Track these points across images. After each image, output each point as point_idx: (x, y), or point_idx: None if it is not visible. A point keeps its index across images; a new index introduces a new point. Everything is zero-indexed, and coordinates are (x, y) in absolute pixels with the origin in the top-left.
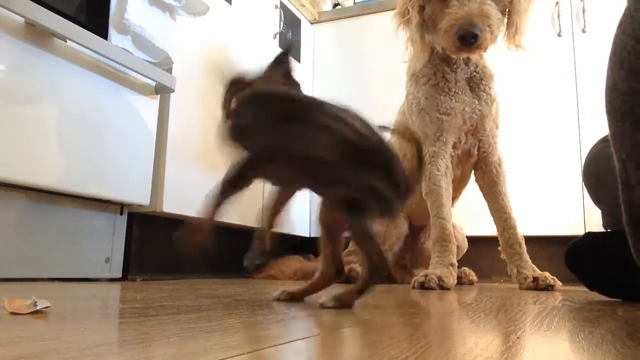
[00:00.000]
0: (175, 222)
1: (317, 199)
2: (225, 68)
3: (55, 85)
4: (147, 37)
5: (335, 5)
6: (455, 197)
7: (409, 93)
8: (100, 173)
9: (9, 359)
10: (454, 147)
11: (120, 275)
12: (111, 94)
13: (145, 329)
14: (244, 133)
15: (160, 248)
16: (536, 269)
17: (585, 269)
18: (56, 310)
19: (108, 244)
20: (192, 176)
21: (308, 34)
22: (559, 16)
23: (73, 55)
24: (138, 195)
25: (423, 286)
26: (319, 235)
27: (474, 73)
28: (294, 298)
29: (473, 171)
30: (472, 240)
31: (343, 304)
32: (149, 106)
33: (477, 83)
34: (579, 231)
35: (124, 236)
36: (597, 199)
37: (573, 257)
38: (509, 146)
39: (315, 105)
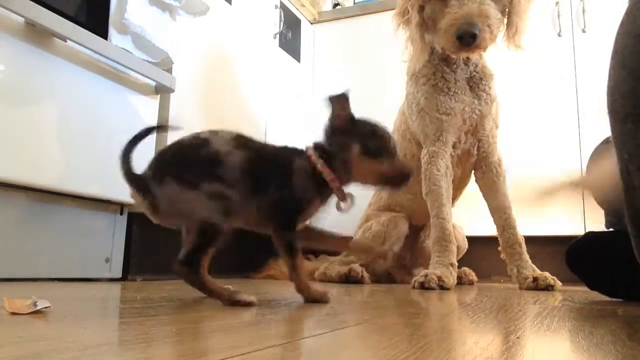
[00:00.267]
0: None
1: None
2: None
3: (55, 85)
4: (147, 37)
5: (335, 5)
6: (455, 197)
7: (408, 93)
8: (100, 173)
9: (9, 359)
10: (453, 147)
11: (120, 275)
12: (111, 94)
13: (145, 329)
14: None
15: (160, 248)
16: (536, 269)
17: (585, 268)
18: (56, 310)
19: (108, 244)
20: None
21: (308, 34)
22: (559, 16)
23: (73, 55)
24: None
25: (423, 286)
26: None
27: (474, 73)
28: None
29: (473, 171)
30: (472, 240)
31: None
32: (149, 106)
33: (477, 83)
34: (579, 231)
35: (124, 236)
36: (601, 199)
37: (574, 256)
38: (509, 146)
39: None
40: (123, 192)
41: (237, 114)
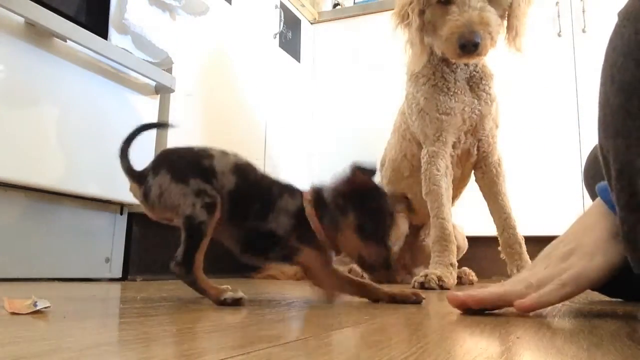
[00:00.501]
0: None
1: None
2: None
3: (55, 85)
4: (147, 37)
5: (335, 5)
6: (455, 197)
7: (408, 93)
8: (100, 173)
9: (9, 359)
10: (453, 147)
11: (120, 275)
12: (111, 94)
13: (145, 329)
14: None
15: (160, 248)
16: None
17: None
18: (56, 310)
19: (108, 244)
20: None
21: (308, 34)
22: (559, 16)
23: (73, 55)
24: None
25: (423, 286)
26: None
27: (474, 73)
28: None
29: (473, 171)
30: (472, 240)
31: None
32: (149, 106)
33: (477, 83)
34: None
35: (124, 236)
36: None
37: None
38: (509, 146)
39: None
40: (123, 192)
41: (237, 114)
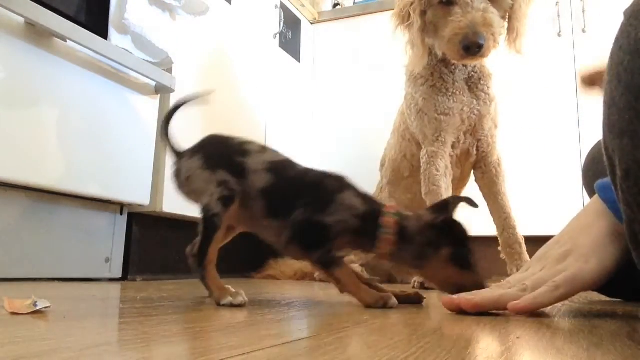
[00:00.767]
0: (175, 222)
1: None
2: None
3: (55, 85)
4: (147, 37)
5: (335, 5)
6: None
7: (407, 94)
8: (100, 173)
9: (9, 359)
10: (453, 147)
11: (120, 275)
12: (111, 94)
13: (145, 329)
14: None
15: (160, 248)
16: None
17: None
18: (56, 310)
19: (108, 244)
20: None
21: (308, 34)
22: (559, 16)
23: (73, 55)
24: (138, 195)
25: (423, 286)
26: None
27: (472, 73)
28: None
29: (472, 171)
30: (472, 240)
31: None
32: (149, 106)
33: (476, 83)
34: None
35: (124, 236)
36: None
37: None
38: (509, 146)
39: None
40: (123, 192)
41: (237, 114)
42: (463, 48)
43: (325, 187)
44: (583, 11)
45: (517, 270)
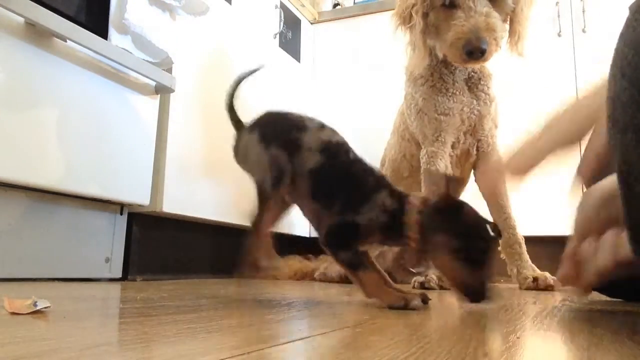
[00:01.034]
0: (176, 222)
1: None
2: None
3: (55, 85)
4: (147, 37)
5: (335, 5)
6: None
7: (407, 94)
8: (100, 173)
9: (9, 359)
10: (452, 147)
11: (120, 275)
12: (111, 94)
13: (145, 329)
14: None
15: (160, 248)
16: (536, 269)
17: None
18: (56, 310)
19: (108, 244)
20: (192, 176)
21: (308, 34)
22: (559, 16)
23: (73, 55)
24: (138, 195)
25: (423, 286)
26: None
27: (472, 73)
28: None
29: (472, 171)
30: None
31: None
32: (149, 106)
33: (476, 83)
34: None
35: (124, 236)
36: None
37: None
38: (509, 146)
39: None
40: (123, 192)
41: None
42: (466, 53)
43: (365, 186)
44: (583, 11)
45: (518, 270)
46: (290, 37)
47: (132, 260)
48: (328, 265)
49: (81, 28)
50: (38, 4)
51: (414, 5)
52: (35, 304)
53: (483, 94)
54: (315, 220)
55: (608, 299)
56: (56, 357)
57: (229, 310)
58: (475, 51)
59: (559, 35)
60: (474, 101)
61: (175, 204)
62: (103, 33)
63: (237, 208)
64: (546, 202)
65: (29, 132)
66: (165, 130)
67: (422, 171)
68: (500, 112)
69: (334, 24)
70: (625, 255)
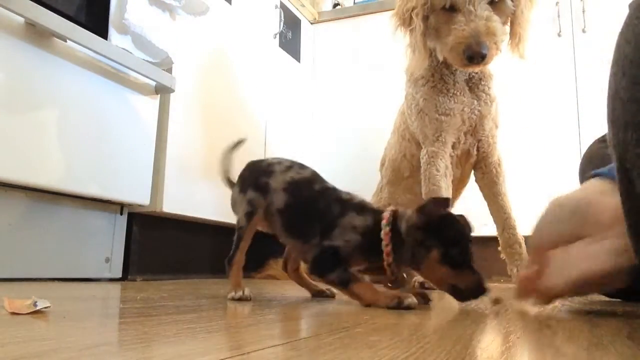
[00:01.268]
0: (175, 222)
1: None
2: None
3: (55, 85)
4: (147, 37)
5: (335, 5)
6: (455, 197)
7: (407, 94)
8: (100, 173)
9: (9, 359)
10: (453, 147)
11: (120, 275)
12: (111, 94)
13: (145, 329)
14: None
15: (160, 248)
16: None
17: None
18: (56, 310)
19: (108, 244)
20: (192, 176)
21: (308, 34)
22: (559, 16)
23: (73, 55)
24: (138, 195)
25: (423, 286)
26: None
27: (473, 74)
28: None
29: (473, 171)
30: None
31: None
32: (149, 106)
33: (476, 83)
34: None
35: (124, 236)
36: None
37: None
38: (509, 146)
39: None
40: (123, 192)
41: (237, 114)
42: (466, 58)
43: (332, 213)
44: (583, 11)
45: (518, 270)
46: (290, 37)
47: (132, 260)
48: None
49: (81, 28)
50: (38, 4)
51: (414, 8)
52: (35, 304)
53: (484, 94)
54: (300, 255)
55: (608, 299)
56: (56, 357)
57: (229, 310)
58: (476, 56)
59: (559, 35)
60: (475, 101)
61: (175, 204)
62: (103, 33)
63: None
64: (546, 202)
65: (29, 132)
66: (165, 130)
67: (422, 171)
68: (500, 112)
69: (334, 24)
70: (601, 266)
